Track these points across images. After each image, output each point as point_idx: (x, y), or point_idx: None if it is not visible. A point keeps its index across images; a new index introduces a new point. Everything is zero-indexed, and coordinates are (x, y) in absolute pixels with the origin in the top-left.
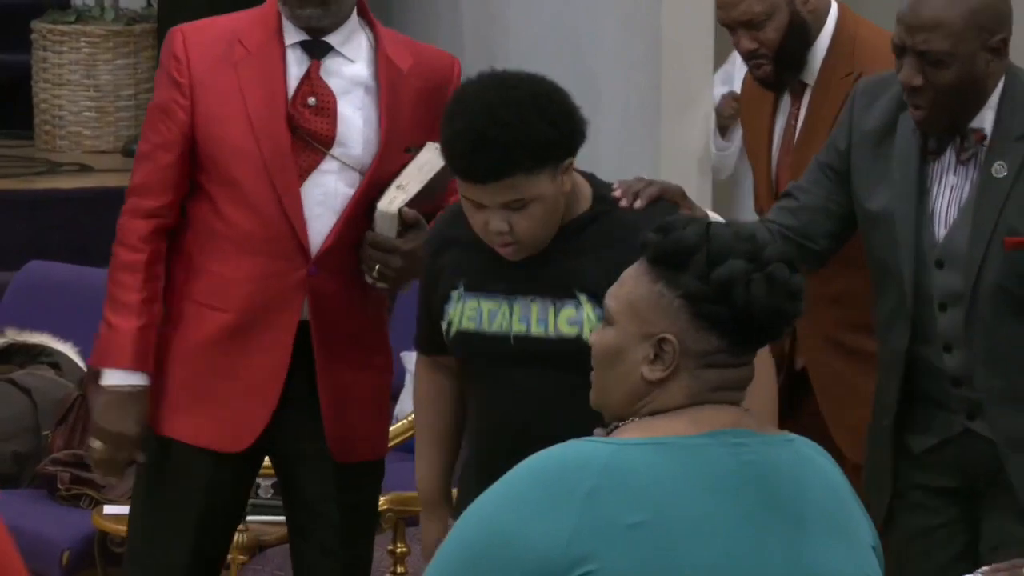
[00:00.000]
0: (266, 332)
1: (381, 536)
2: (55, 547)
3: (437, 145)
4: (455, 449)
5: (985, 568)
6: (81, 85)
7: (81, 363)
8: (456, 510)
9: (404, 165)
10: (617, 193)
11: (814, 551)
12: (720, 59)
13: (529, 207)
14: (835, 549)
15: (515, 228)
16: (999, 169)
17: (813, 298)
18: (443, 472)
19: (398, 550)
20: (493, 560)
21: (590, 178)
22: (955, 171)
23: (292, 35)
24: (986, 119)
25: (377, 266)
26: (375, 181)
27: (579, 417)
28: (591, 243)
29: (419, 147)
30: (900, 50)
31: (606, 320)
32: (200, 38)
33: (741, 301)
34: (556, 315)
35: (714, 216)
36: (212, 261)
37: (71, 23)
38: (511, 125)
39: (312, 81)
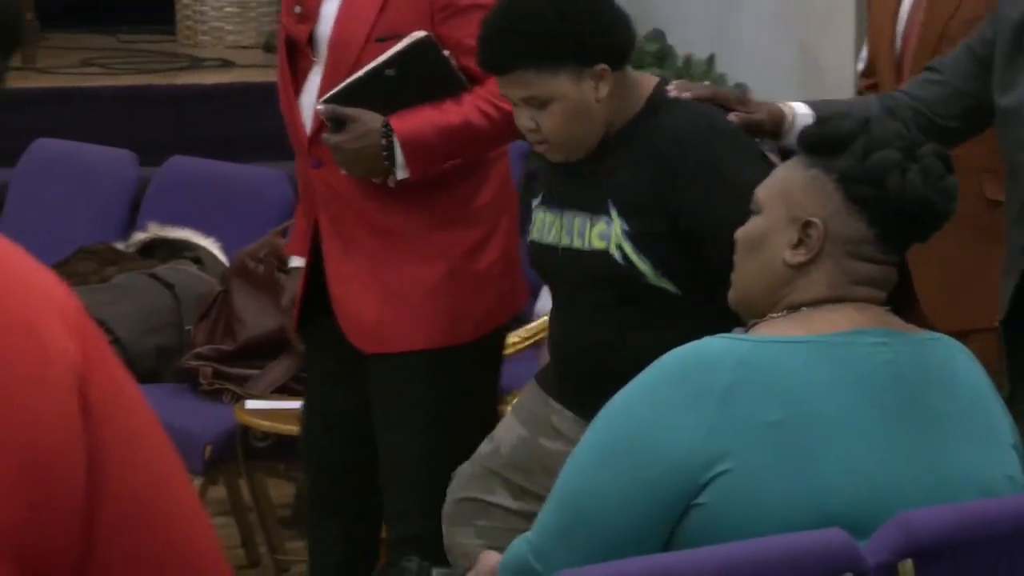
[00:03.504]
0: (303, 222)
1: None
2: (197, 441)
3: (420, 33)
4: None
5: None
6: None
7: (223, 258)
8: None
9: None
10: (671, 87)
11: (954, 452)
12: None
13: (549, 107)
14: (976, 450)
15: (541, 127)
16: None
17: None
18: None
19: None
20: (632, 457)
21: (658, 83)
22: None
23: None
24: None
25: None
26: (331, 74)
27: (614, 335)
28: (630, 152)
29: (396, 36)
30: None
31: (754, 211)
32: None
33: (895, 187)
34: (591, 228)
35: (800, 107)
36: None
37: None
38: (521, 17)
39: None
